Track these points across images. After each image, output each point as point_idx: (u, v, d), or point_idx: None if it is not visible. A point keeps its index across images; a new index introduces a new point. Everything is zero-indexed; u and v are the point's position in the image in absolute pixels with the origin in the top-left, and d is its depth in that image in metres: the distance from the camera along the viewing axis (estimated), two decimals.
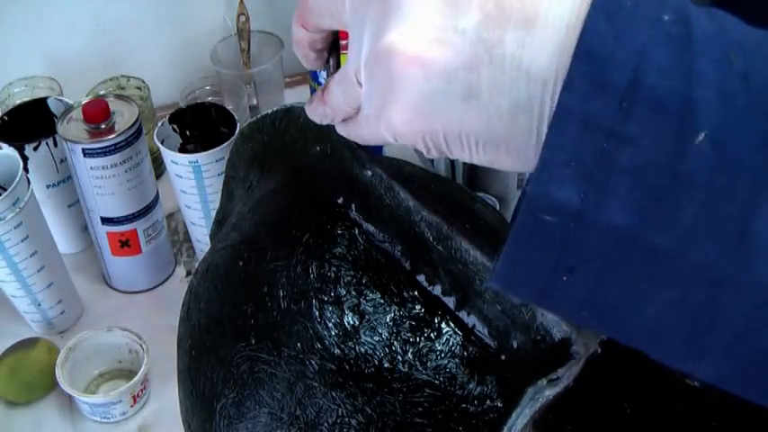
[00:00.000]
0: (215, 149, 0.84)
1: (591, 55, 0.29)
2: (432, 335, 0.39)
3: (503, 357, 0.39)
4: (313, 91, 1.11)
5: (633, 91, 0.29)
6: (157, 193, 0.92)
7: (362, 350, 0.39)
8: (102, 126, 0.84)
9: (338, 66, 0.44)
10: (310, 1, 0.38)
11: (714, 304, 0.30)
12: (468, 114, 0.32)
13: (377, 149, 1.15)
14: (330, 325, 0.40)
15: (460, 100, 0.32)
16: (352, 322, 0.40)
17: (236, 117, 0.89)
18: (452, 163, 1.17)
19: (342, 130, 0.39)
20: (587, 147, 0.29)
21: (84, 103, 0.85)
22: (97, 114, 0.83)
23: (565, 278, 0.31)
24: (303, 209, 0.44)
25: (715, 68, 0.29)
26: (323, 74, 1.08)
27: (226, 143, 0.85)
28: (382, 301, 0.40)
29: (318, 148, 0.44)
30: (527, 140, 0.31)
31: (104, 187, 0.86)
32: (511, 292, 0.34)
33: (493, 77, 0.31)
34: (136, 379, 0.81)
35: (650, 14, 0.30)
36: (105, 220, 0.89)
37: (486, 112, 0.31)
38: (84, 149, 0.82)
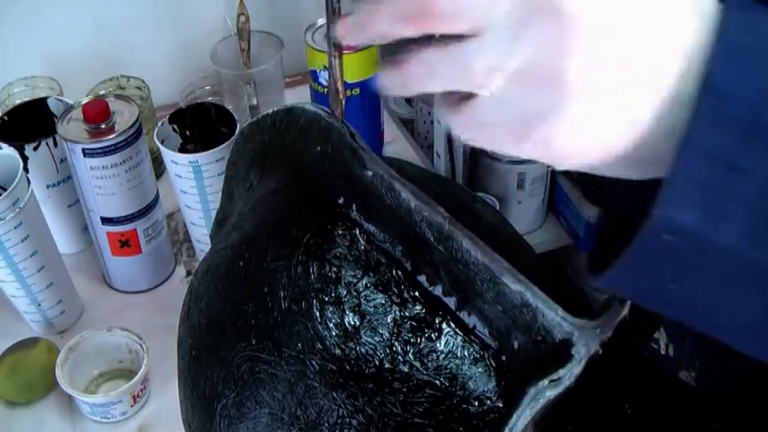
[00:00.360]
0: (215, 149, 0.84)
1: (715, 90, 0.32)
2: (432, 335, 0.39)
3: (504, 358, 0.39)
4: (313, 91, 1.10)
5: (752, 126, 0.32)
6: (157, 193, 0.92)
7: (363, 350, 0.39)
8: (102, 126, 0.84)
9: (340, 68, 0.44)
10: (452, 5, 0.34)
11: None
12: (627, 140, 0.34)
13: (376, 149, 1.15)
14: (331, 325, 0.40)
15: (624, 127, 0.34)
16: (352, 322, 0.40)
17: (236, 117, 0.89)
18: (452, 163, 1.17)
19: (455, 118, 0.36)
20: (709, 175, 0.32)
21: (84, 103, 0.85)
22: (97, 114, 0.83)
23: (671, 287, 0.36)
24: (304, 209, 0.44)
25: None
26: (323, 74, 1.08)
27: (226, 143, 0.85)
28: (383, 302, 0.40)
29: (319, 149, 0.44)
30: (668, 157, 0.33)
31: (104, 187, 0.86)
32: (613, 292, 0.39)
33: (652, 105, 0.33)
34: (136, 379, 0.81)
35: None
36: (105, 220, 0.89)
37: (643, 137, 0.34)
38: (84, 149, 0.82)
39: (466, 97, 0.35)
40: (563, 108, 0.33)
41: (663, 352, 0.60)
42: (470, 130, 0.36)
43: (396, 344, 0.39)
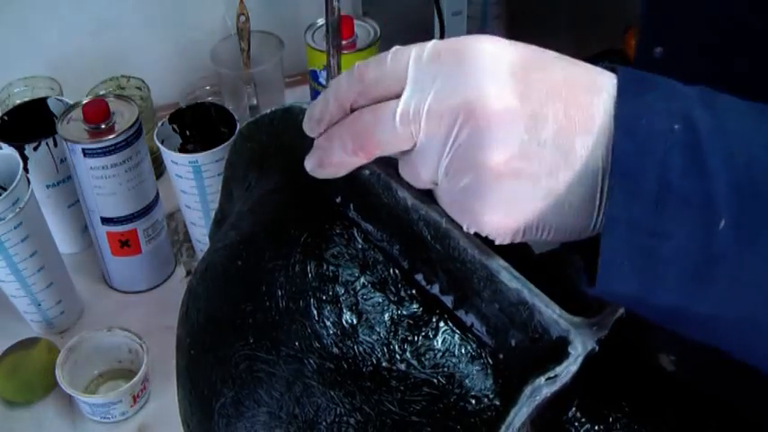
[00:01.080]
0: (215, 149, 0.85)
1: (623, 171, 0.36)
2: (430, 333, 0.40)
3: (501, 356, 0.39)
4: (313, 91, 1.11)
5: (662, 194, 0.35)
6: (157, 193, 0.93)
7: (361, 349, 0.39)
8: (102, 126, 0.84)
9: (339, 68, 0.44)
10: (377, 134, 0.38)
11: (744, 344, 0.38)
12: (547, 210, 0.37)
13: None
14: (328, 324, 0.40)
15: (541, 200, 0.37)
16: (350, 321, 0.40)
17: (236, 117, 0.89)
18: None
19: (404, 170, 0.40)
20: (635, 245, 0.36)
21: (84, 103, 0.85)
22: (97, 114, 0.84)
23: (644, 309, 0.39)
24: (301, 208, 0.44)
25: (723, 164, 0.36)
26: (323, 74, 1.08)
27: (226, 143, 0.85)
28: (380, 300, 0.40)
29: None
30: (588, 224, 0.38)
31: (104, 187, 0.86)
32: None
33: (567, 178, 0.37)
34: (136, 379, 0.81)
35: (662, 127, 0.36)
36: (105, 220, 0.89)
37: (562, 208, 0.37)
38: (84, 149, 0.83)
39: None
40: (485, 194, 0.37)
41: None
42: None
43: (393, 342, 0.39)
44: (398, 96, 0.38)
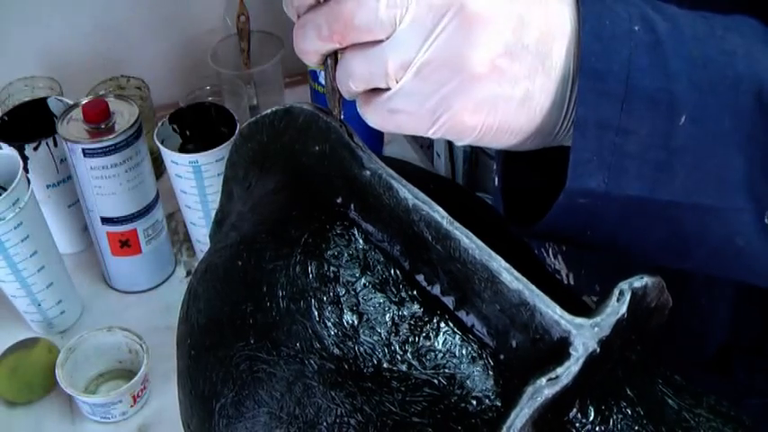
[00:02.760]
0: (215, 149, 0.85)
1: (592, 71, 0.38)
2: (431, 334, 0.39)
3: (501, 357, 0.39)
4: (313, 91, 1.11)
5: (629, 94, 0.38)
6: (157, 193, 0.93)
7: (361, 350, 0.39)
8: (102, 126, 0.84)
9: (336, 62, 0.44)
10: (357, 17, 0.38)
11: (702, 227, 0.42)
12: (521, 113, 0.39)
13: (376, 149, 1.15)
14: (329, 324, 0.40)
15: (518, 102, 0.39)
16: (351, 322, 0.40)
17: (236, 117, 0.89)
18: (452, 163, 1.17)
19: (367, 108, 0.41)
20: (604, 143, 0.39)
21: (84, 103, 0.85)
22: (97, 114, 0.84)
23: (588, 233, 0.43)
24: (302, 209, 0.44)
25: (684, 64, 0.39)
26: (323, 74, 1.08)
27: (226, 143, 0.85)
28: (381, 301, 0.40)
29: (317, 148, 0.44)
30: (552, 128, 0.40)
31: (104, 187, 0.86)
32: (543, 239, 0.50)
33: (543, 83, 0.39)
34: (136, 379, 0.81)
35: (625, 28, 0.39)
36: (105, 220, 0.89)
37: (534, 111, 0.39)
38: (84, 149, 0.83)
39: (378, 90, 0.40)
40: (466, 92, 0.38)
41: (566, 282, 0.66)
42: (382, 118, 0.41)
43: (394, 343, 0.39)
44: None
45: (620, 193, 0.40)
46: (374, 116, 0.41)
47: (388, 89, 0.39)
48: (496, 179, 0.53)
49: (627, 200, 0.40)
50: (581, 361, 0.37)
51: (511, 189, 0.51)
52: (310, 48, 0.41)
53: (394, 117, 0.40)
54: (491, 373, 0.39)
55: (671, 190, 0.40)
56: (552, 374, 0.36)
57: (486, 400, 0.39)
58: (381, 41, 0.38)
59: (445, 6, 0.37)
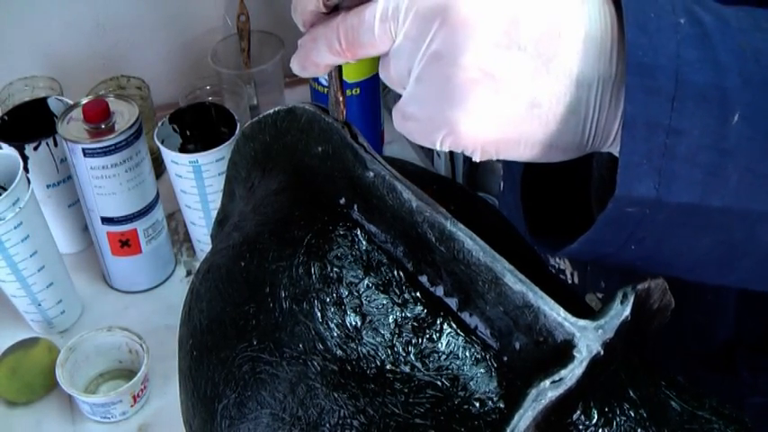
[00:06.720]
0: (215, 149, 0.85)
1: (640, 67, 0.35)
2: (434, 336, 0.39)
3: (505, 359, 0.39)
4: (313, 91, 1.10)
5: (679, 91, 0.35)
6: (157, 193, 0.92)
7: (364, 351, 0.39)
8: (102, 126, 0.84)
9: (340, 73, 0.44)
10: (359, 33, 0.38)
11: (751, 235, 0.38)
12: (529, 122, 0.37)
13: (376, 149, 1.15)
14: (332, 326, 0.40)
15: (524, 110, 0.36)
16: (354, 323, 0.40)
17: (237, 117, 0.89)
18: (453, 163, 1.17)
19: (394, 111, 0.40)
20: (654, 145, 0.36)
21: (84, 103, 0.85)
22: (97, 114, 0.83)
23: (633, 247, 0.39)
24: (305, 209, 0.44)
25: (734, 58, 0.36)
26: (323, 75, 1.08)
27: (226, 143, 0.85)
28: (384, 302, 0.40)
29: (320, 149, 0.44)
30: (573, 138, 0.37)
31: (104, 187, 0.86)
32: (576, 259, 0.43)
33: (550, 87, 0.36)
34: (136, 379, 0.81)
35: (671, 21, 0.36)
36: (105, 220, 0.89)
37: (545, 119, 0.36)
38: (84, 149, 0.82)
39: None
40: (463, 99, 0.36)
41: (570, 280, 0.65)
42: (398, 122, 0.40)
43: (397, 344, 0.39)
44: None
45: (671, 200, 0.36)
46: (395, 119, 0.40)
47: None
48: (501, 186, 0.52)
49: (676, 207, 0.37)
50: (585, 363, 0.36)
51: (530, 207, 0.49)
52: (321, 61, 0.41)
53: (406, 123, 0.39)
54: (494, 374, 0.39)
55: (722, 195, 0.37)
56: (556, 377, 0.36)
57: (490, 402, 0.38)
58: (388, 52, 0.39)
59: (433, 15, 0.36)
